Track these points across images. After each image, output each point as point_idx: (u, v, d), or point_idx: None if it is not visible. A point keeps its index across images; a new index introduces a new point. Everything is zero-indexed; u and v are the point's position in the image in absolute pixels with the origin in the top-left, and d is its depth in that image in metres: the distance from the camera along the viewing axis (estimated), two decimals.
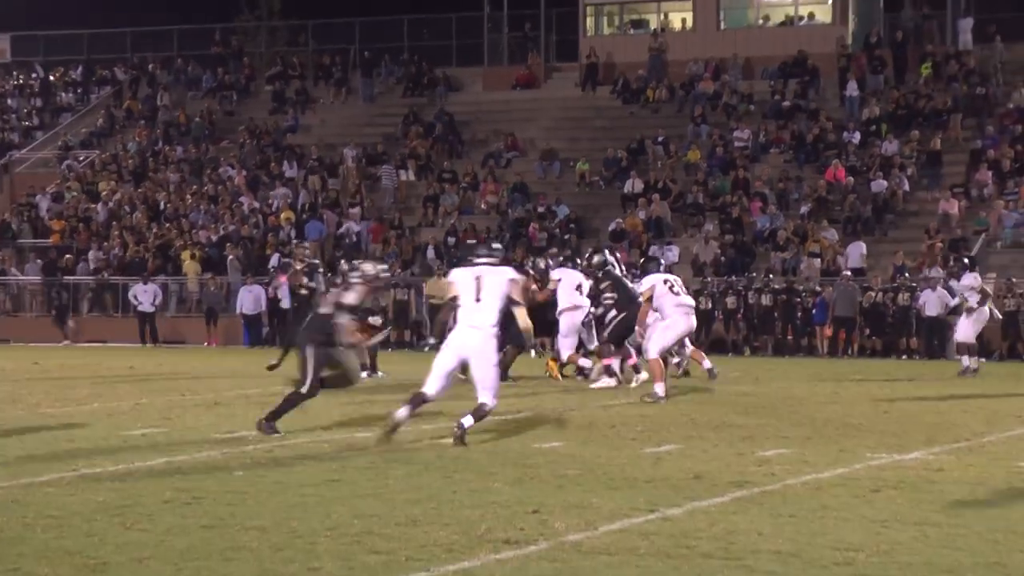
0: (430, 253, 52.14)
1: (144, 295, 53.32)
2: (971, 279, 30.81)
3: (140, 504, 14.27)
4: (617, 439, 20.76)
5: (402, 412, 20.32)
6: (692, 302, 28.27)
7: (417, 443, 19.94)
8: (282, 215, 58.86)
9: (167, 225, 60.28)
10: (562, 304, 31.18)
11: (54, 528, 12.57)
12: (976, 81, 58.08)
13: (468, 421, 20.10)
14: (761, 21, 66.62)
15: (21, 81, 73.20)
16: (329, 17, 71.44)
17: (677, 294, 26.78)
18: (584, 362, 31.12)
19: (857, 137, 56.61)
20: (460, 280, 21.54)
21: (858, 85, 59.70)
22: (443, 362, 20.67)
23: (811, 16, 65.43)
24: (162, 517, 13.47)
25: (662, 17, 67.58)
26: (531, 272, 34.22)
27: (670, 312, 26.39)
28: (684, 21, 66.99)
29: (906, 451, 19.29)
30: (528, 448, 19.29)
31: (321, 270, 36.39)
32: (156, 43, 72.35)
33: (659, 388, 25.58)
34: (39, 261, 59.84)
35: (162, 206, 61.91)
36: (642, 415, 24.10)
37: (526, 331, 22.23)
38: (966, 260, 35.51)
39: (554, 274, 31.55)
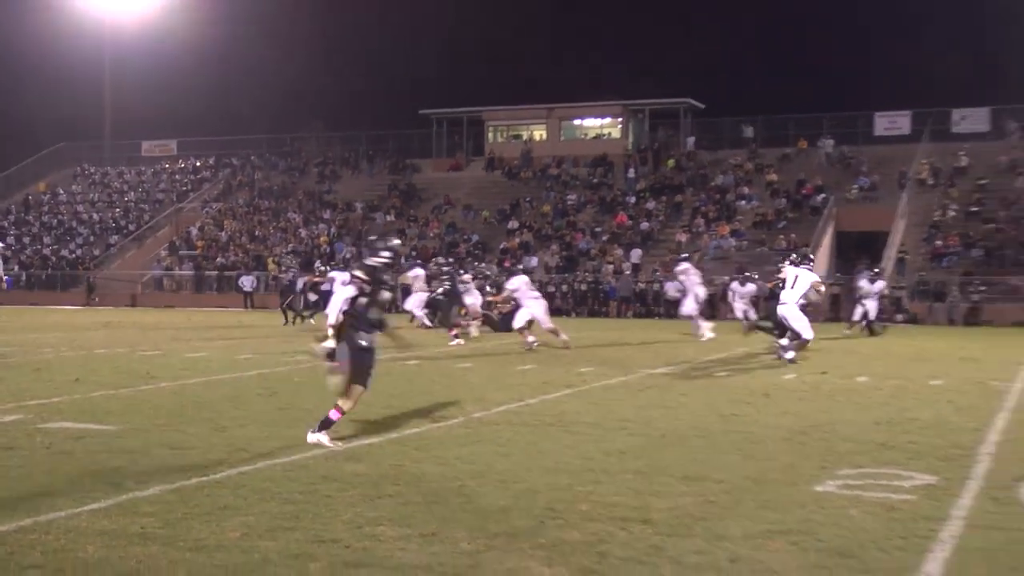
0: (404, 261, 51.82)
1: (247, 281, 53.12)
2: (881, 285, 28.91)
3: (242, 395, 14.39)
4: (501, 361, 20.76)
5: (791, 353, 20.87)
6: (539, 294, 25.92)
7: (402, 369, 19.93)
8: (321, 239, 58.65)
9: (260, 244, 59.93)
10: (417, 288, 31.31)
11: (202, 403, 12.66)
12: (697, 170, 58.17)
13: (789, 354, 20.74)
14: (583, 135, 66.41)
15: (183, 165, 72.54)
16: (348, 131, 71.08)
17: (532, 289, 25.05)
18: (427, 322, 31.06)
19: (633, 199, 56.48)
20: (788, 272, 21.46)
21: (634, 171, 59.69)
22: (799, 320, 21.04)
23: (609, 134, 65.24)
24: (254, 404, 13.60)
25: (529, 133, 67.39)
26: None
27: (528, 301, 24.46)
28: (541, 135, 66.68)
29: (655, 368, 19.46)
30: (453, 368, 19.33)
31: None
32: (255, 144, 71.66)
33: (530, 339, 24.05)
34: (190, 263, 59.53)
35: (256, 233, 61.50)
36: (514, 350, 24.13)
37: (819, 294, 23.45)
38: (876, 271, 33.24)
39: (410, 272, 31.44)
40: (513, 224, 56.44)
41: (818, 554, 6.71)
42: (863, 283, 31.29)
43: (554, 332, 24.51)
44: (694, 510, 7.85)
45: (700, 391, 15.79)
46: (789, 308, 20.99)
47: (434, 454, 10.04)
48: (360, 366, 10.66)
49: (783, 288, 21.38)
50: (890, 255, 46.21)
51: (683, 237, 51.26)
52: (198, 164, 72.36)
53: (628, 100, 65.61)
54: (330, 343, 12.32)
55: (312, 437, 10.38)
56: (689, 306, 29.05)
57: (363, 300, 10.87)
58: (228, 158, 71.68)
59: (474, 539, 6.93)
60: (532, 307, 24.41)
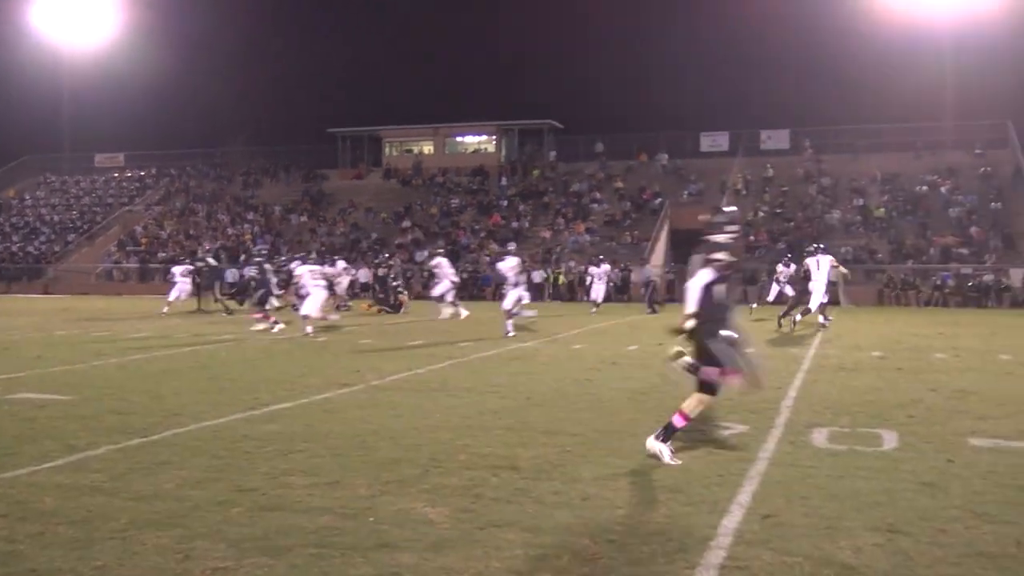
0: (313, 255, 50.91)
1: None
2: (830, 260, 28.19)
3: (177, 368, 14.10)
4: (395, 338, 20.46)
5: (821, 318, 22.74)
6: (325, 282, 23.47)
7: (312, 345, 19.67)
8: (246, 236, 57.71)
9: (194, 241, 58.79)
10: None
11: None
12: (558, 179, 58.32)
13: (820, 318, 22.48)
14: (464, 150, 66.11)
15: (130, 174, 71.02)
16: (268, 146, 70.00)
17: (316, 276, 22.49)
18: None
19: (505, 203, 56.45)
20: (811, 262, 22.58)
21: (506, 180, 59.64)
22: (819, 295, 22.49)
23: (486, 149, 65.12)
24: (187, 376, 13.30)
25: (419, 148, 66.97)
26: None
27: (312, 287, 22.02)
28: (429, 149, 66.30)
29: (524, 342, 19.24)
30: (356, 345, 19.15)
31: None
32: (189, 157, 70.40)
33: (309, 328, 21.12)
34: (135, 257, 58.21)
35: (191, 232, 60.32)
36: (406, 329, 23.93)
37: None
38: (789, 256, 31.01)
39: (296, 268, 26.61)
40: (406, 223, 56.07)
41: (654, 491, 6.82)
42: (780, 267, 29.41)
43: (313, 320, 21.97)
44: (553, 458, 7.89)
45: (560, 360, 15.81)
46: (820, 285, 22.38)
47: (339, 416, 9.95)
48: (721, 358, 7.99)
49: (815, 272, 22.62)
50: None
51: (547, 234, 51.44)
52: (143, 173, 70.93)
53: (501, 121, 65.69)
54: (687, 358, 8.16)
55: (653, 445, 7.90)
56: (439, 289, 28.74)
57: (722, 287, 7.97)
58: (168, 168, 70.43)
59: (371, 486, 6.92)
60: (316, 294, 22.10)
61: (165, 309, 30.10)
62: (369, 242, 53.97)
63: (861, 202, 48.68)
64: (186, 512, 6.22)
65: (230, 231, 59.91)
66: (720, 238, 8.03)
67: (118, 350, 17.39)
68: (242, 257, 36.40)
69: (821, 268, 22.57)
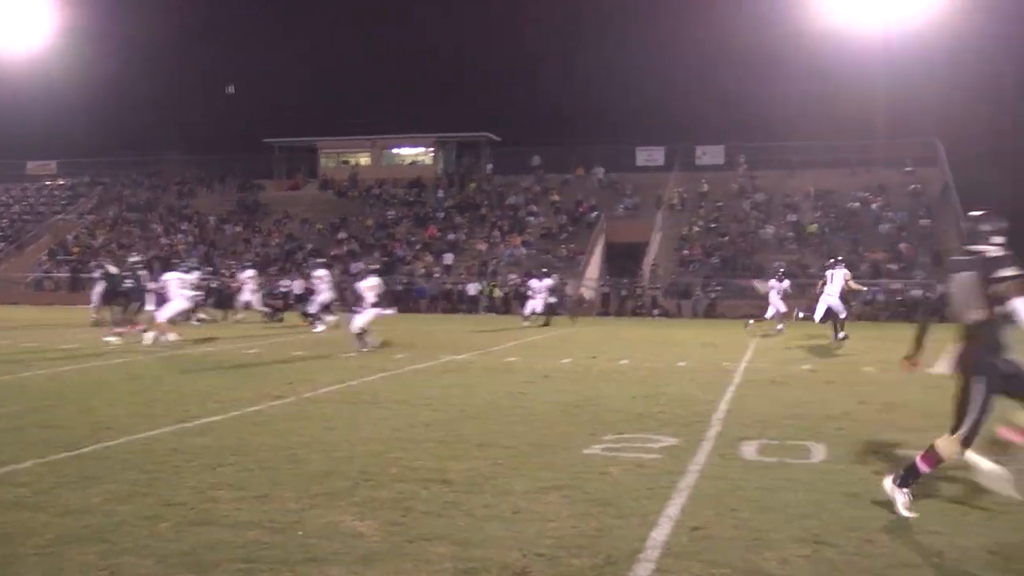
0: (244, 262, 50.33)
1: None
2: (787, 284, 26.89)
3: (108, 380, 13.91)
4: (328, 349, 20.09)
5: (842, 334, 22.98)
6: (192, 292, 22.37)
7: (244, 357, 19.48)
8: (180, 246, 57.08)
9: (127, 251, 58.00)
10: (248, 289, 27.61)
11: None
12: (494, 191, 58.34)
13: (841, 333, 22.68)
14: (401, 162, 65.87)
15: (62, 182, 70.06)
16: (203, 155, 69.12)
17: (184, 286, 21.77)
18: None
19: (442, 214, 56.39)
20: (828, 275, 23.13)
21: (443, 192, 59.54)
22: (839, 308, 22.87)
23: (423, 161, 64.92)
24: (118, 388, 13.12)
25: (356, 159, 66.67)
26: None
27: (175, 295, 21.50)
28: (366, 161, 65.95)
29: (457, 354, 19.15)
30: (288, 355, 18.98)
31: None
32: (124, 165, 69.51)
33: (169, 336, 21.25)
34: (67, 267, 57.31)
35: (124, 242, 59.46)
36: (329, 342, 23.74)
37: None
38: (782, 270, 28.96)
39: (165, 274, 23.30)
40: (342, 235, 55.77)
41: (584, 504, 6.85)
42: (772, 281, 28.31)
43: (165, 329, 21.54)
44: (485, 471, 7.91)
45: (493, 373, 15.79)
46: (833, 299, 22.69)
47: (270, 428, 9.88)
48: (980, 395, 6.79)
49: (828, 285, 22.98)
50: (648, 262, 47.27)
51: (483, 246, 51.43)
52: (75, 182, 70.09)
53: (439, 133, 65.67)
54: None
55: (889, 487, 6.77)
56: (314, 305, 28.40)
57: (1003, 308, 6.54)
58: (101, 177, 69.59)
59: (300, 499, 6.89)
60: (175, 303, 21.54)
61: (93, 317, 29.81)
62: (304, 253, 53.63)
63: (795, 218, 49.30)
64: (113, 527, 6.15)
65: (164, 241, 59.26)
66: (992, 251, 6.65)
67: (48, 361, 17.11)
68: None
69: (835, 282, 22.98)
